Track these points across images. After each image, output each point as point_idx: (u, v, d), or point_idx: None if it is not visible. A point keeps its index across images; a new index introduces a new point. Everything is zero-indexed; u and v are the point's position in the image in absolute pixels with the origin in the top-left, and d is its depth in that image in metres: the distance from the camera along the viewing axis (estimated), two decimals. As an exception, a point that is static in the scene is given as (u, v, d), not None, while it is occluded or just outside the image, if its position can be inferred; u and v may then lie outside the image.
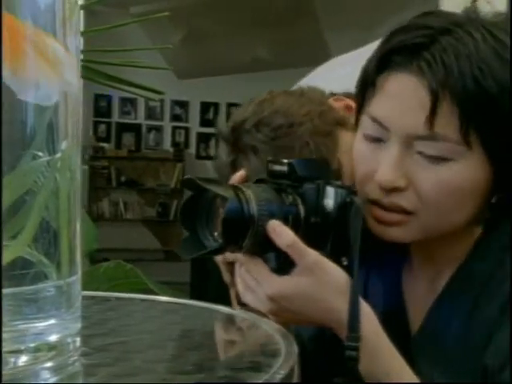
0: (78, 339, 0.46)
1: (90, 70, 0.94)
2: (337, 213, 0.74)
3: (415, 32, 0.75)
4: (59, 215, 0.44)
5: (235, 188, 0.71)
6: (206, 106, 7.25)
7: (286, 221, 0.71)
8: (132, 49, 1.04)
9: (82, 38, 1.00)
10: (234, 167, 0.92)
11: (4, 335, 0.39)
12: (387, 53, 0.76)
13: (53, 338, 0.43)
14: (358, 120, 0.82)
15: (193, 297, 0.78)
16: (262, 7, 5.09)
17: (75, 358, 0.45)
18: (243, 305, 0.75)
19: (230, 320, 0.63)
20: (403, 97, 0.74)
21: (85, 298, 0.48)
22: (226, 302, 0.85)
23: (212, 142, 6.94)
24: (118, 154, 7.15)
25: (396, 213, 0.76)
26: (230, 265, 0.82)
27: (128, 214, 7.15)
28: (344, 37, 4.06)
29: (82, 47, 1.00)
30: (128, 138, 7.28)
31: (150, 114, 7.29)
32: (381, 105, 0.76)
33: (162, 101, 7.10)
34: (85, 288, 0.48)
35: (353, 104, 0.95)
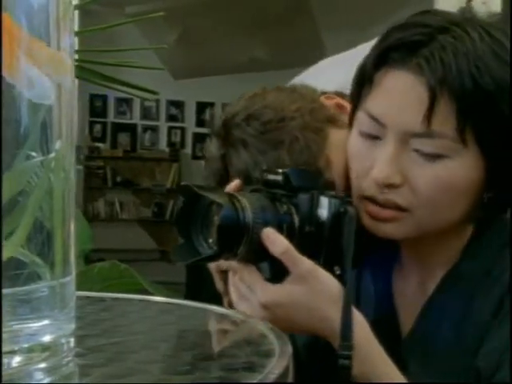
0: (72, 340, 0.46)
1: (85, 70, 0.94)
2: (330, 222, 0.75)
3: (413, 30, 0.75)
4: (53, 215, 0.43)
5: (230, 196, 0.72)
6: (201, 106, 7.25)
7: (280, 229, 0.72)
8: (127, 49, 1.04)
9: (77, 38, 1.00)
10: (224, 161, 0.92)
11: (-2, 336, 0.39)
12: (385, 50, 0.77)
13: (46, 338, 0.43)
14: (352, 117, 0.82)
15: (188, 297, 0.78)
16: (258, 7, 5.09)
17: (69, 358, 0.45)
18: None
19: (224, 320, 0.63)
20: (401, 94, 0.75)
21: (79, 298, 0.48)
22: (221, 302, 0.85)
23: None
24: (114, 154, 7.14)
25: (390, 209, 0.76)
26: (224, 273, 0.82)
27: (124, 214, 7.14)
28: (341, 37, 4.06)
29: (77, 47, 1.00)
30: (124, 138, 7.27)
31: (146, 114, 7.28)
32: (378, 101, 0.77)
33: (157, 101, 7.10)
34: (79, 288, 0.48)
35: (344, 103, 0.96)
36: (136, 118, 7.28)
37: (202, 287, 0.87)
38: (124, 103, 7.18)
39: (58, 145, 0.43)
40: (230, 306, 0.78)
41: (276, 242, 0.71)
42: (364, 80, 0.79)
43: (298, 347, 0.85)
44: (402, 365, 0.73)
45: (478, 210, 0.79)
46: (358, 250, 0.74)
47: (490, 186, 0.77)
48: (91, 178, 6.90)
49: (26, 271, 0.42)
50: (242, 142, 0.91)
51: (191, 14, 5.26)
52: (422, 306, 0.82)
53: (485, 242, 0.81)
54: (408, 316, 0.83)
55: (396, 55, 0.75)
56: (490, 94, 0.72)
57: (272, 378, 0.42)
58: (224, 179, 0.93)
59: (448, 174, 0.74)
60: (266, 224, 0.71)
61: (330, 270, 0.73)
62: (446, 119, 0.72)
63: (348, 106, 0.95)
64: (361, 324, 0.71)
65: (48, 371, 0.43)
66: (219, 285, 0.86)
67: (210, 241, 0.71)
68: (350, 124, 0.82)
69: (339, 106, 0.97)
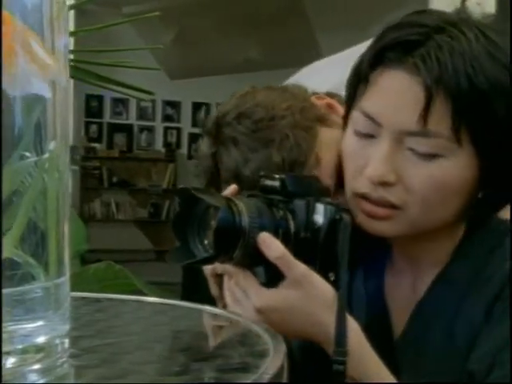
0: (67, 341, 0.46)
1: (80, 71, 0.94)
2: (326, 229, 0.76)
3: (410, 29, 0.75)
4: (47, 216, 0.43)
5: (228, 200, 0.72)
6: (197, 107, 7.25)
7: (276, 234, 0.73)
8: (123, 49, 1.03)
9: (72, 38, 1.00)
10: (215, 159, 0.93)
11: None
12: (381, 49, 0.77)
13: (41, 339, 0.43)
14: (347, 116, 0.82)
15: (184, 297, 0.78)
16: (253, 7, 5.09)
17: (64, 359, 0.45)
18: None
19: (218, 321, 0.63)
20: (397, 93, 0.75)
21: (74, 299, 0.48)
22: (216, 306, 0.85)
23: (204, 143, 6.93)
24: (110, 155, 7.13)
25: (384, 207, 0.76)
26: (219, 277, 0.82)
27: (120, 214, 7.14)
28: (335, 37, 4.06)
29: (72, 47, 1.00)
30: (120, 139, 7.27)
31: (142, 114, 7.28)
32: (374, 101, 0.77)
33: (153, 101, 7.09)
34: (74, 289, 0.48)
35: (334, 103, 0.97)
36: (132, 118, 7.27)
37: (198, 287, 0.87)
38: (120, 104, 7.17)
39: (52, 145, 0.43)
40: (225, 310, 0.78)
41: (272, 246, 0.71)
42: (359, 79, 0.79)
43: (292, 348, 0.85)
44: (394, 366, 0.73)
45: (471, 208, 0.79)
46: (352, 256, 0.74)
47: (484, 185, 0.77)
48: (87, 178, 6.89)
49: (19, 272, 0.42)
50: (232, 140, 0.91)
51: (187, 14, 5.26)
52: (413, 307, 0.82)
53: (476, 241, 0.81)
54: (400, 316, 0.83)
55: (392, 55, 0.75)
56: (485, 93, 0.72)
57: (266, 378, 0.42)
58: (215, 177, 0.93)
59: (442, 174, 0.74)
60: (262, 228, 0.72)
61: (325, 276, 0.73)
62: (441, 119, 0.72)
63: (338, 106, 0.96)
64: (354, 329, 0.71)
65: (42, 372, 0.42)
66: (214, 289, 0.86)
67: (206, 243, 0.72)
68: (345, 123, 0.82)
69: (329, 106, 0.98)
